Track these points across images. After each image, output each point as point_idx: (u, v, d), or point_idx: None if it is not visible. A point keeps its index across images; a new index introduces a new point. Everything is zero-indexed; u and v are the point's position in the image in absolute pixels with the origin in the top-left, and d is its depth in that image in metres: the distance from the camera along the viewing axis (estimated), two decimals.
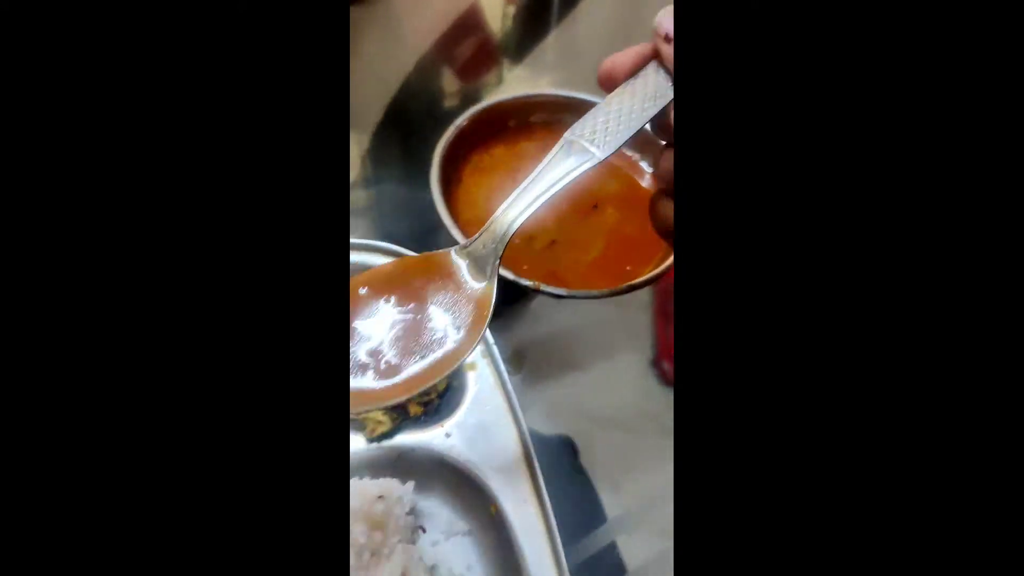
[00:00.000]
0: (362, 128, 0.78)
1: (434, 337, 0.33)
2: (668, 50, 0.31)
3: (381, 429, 0.46)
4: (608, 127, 0.33)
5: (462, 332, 0.33)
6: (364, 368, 0.33)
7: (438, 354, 0.33)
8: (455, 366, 0.32)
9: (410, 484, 0.44)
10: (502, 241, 0.34)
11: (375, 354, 0.33)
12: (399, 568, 0.39)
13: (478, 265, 0.34)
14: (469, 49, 0.87)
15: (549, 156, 0.33)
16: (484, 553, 0.44)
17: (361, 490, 0.40)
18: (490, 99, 0.62)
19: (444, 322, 0.34)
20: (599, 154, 0.32)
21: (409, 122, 0.78)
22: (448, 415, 0.48)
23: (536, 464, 0.44)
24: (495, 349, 0.50)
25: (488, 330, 0.51)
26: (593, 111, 0.33)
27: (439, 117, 0.80)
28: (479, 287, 0.34)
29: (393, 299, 0.35)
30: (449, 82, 0.86)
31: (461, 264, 0.35)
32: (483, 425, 0.47)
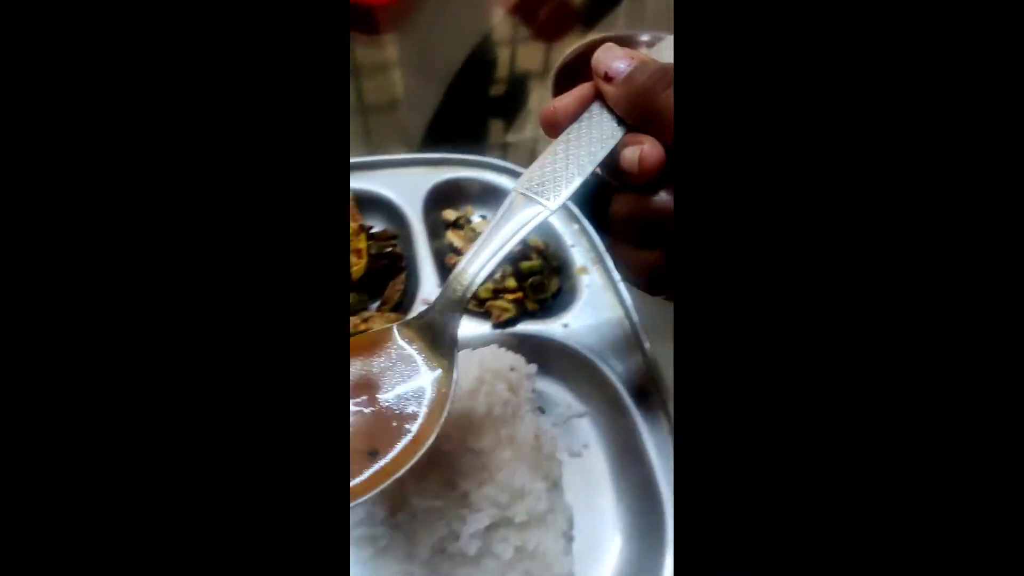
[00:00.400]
0: (421, 109, 0.80)
1: (390, 429, 0.30)
2: (610, 90, 0.31)
3: (506, 315, 0.49)
4: (557, 176, 0.31)
5: (420, 420, 0.31)
6: None
7: (395, 451, 0.30)
8: (413, 460, 0.29)
9: (533, 366, 0.47)
10: (460, 306, 0.31)
11: None
12: (532, 431, 0.42)
13: (436, 337, 0.32)
14: (549, 9, 0.91)
15: (500, 212, 0.32)
16: (601, 434, 0.47)
17: (499, 355, 0.43)
18: (593, 37, 0.65)
19: (399, 412, 0.31)
20: (550, 205, 0.31)
21: (462, 107, 0.81)
22: (563, 311, 0.51)
23: (651, 357, 0.47)
24: (607, 256, 0.53)
25: (599, 239, 0.54)
26: (540, 160, 0.32)
27: (488, 105, 0.83)
28: (436, 364, 0.32)
29: None
30: (502, 67, 0.89)
31: (413, 339, 0.32)
32: (598, 320, 0.50)
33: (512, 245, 0.31)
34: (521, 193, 0.32)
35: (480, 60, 0.85)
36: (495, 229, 0.31)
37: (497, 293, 0.51)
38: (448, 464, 0.37)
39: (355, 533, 0.37)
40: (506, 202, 0.32)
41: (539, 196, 0.31)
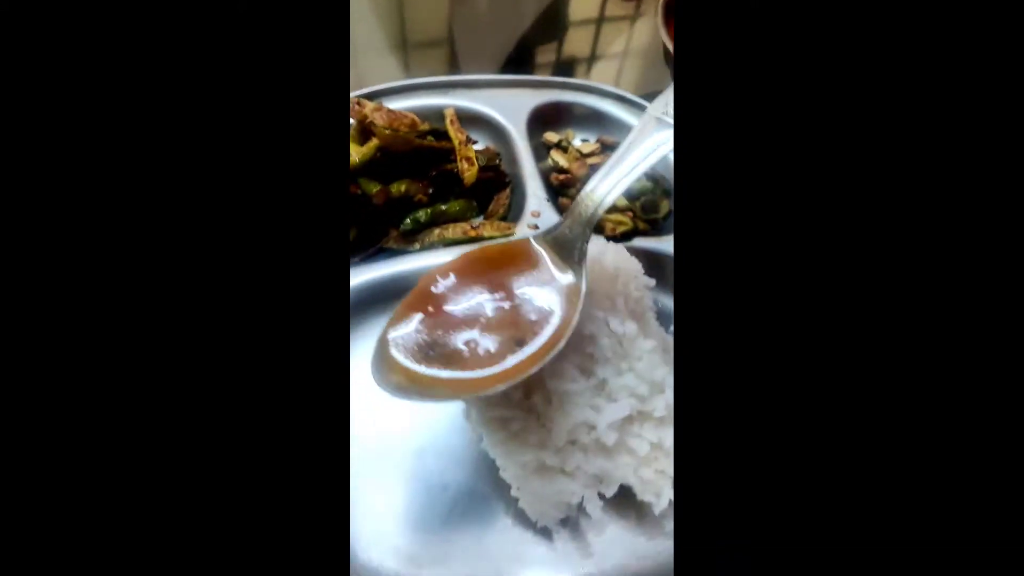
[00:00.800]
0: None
1: (530, 322, 0.32)
2: None
3: (621, 228, 0.47)
4: None
5: (555, 320, 0.32)
6: (461, 357, 0.32)
7: (535, 344, 0.31)
8: (550, 356, 0.31)
9: (652, 279, 0.45)
10: (589, 224, 0.32)
11: (471, 343, 0.32)
12: (660, 337, 0.40)
13: (565, 250, 0.33)
14: None
15: (633, 133, 0.31)
16: None
17: (626, 256, 0.41)
18: None
19: (536, 310, 0.32)
20: None
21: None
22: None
23: None
24: None
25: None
26: (673, 85, 0.31)
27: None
28: (567, 275, 0.32)
29: (482, 287, 0.33)
30: (544, 54, 0.88)
31: (544, 250, 0.33)
32: None
33: (644, 168, 0.31)
34: (655, 116, 0.31)
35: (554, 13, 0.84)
36: (627, 151, 0.31)
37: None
38: (587, 348, 0.35)
39: (490, 414, 0.35)
40: (638, 125, 0.31)
41: (673, 119, 0.30)
